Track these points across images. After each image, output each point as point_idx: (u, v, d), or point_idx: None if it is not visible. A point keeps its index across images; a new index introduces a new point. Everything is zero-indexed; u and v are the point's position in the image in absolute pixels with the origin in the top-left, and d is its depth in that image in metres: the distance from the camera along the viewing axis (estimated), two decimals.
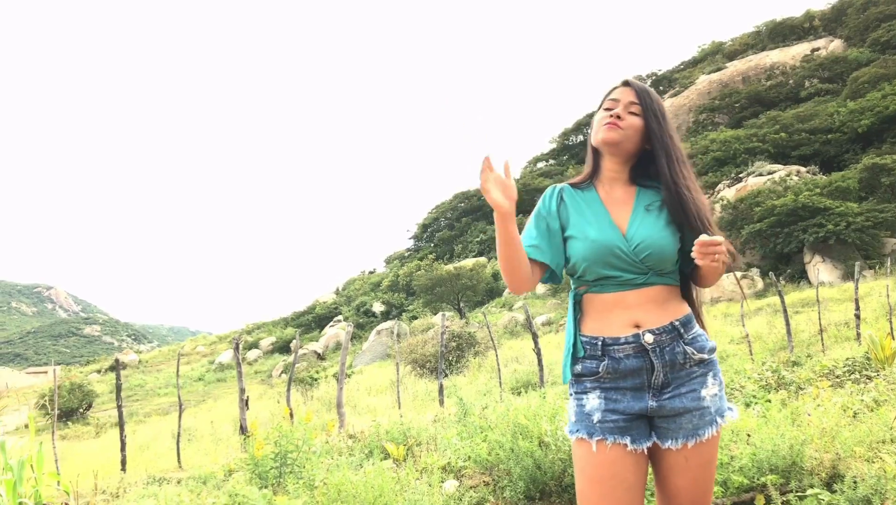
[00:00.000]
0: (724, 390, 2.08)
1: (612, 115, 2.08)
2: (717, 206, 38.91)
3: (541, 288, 45.47)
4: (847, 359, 8.37)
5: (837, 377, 7.40)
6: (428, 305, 42.78)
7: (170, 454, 11.30)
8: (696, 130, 63.83)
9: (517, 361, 19.21)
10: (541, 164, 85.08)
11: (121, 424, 8.62)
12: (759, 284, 33.56)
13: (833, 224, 31.54)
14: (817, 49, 67.68)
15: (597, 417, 1.99)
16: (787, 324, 11.53)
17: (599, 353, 2.01)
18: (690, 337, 2.02)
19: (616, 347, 2.00)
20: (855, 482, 3.15)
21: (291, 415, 7.47)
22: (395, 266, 66.45)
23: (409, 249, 74.42)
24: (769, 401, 5.78)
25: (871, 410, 4.71)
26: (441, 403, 9.47)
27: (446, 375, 9.98)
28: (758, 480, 3.42)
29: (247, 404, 7.44)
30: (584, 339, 2.05)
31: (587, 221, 2.08)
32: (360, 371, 28.83)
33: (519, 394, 13.60)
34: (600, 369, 2.01)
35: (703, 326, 2.14)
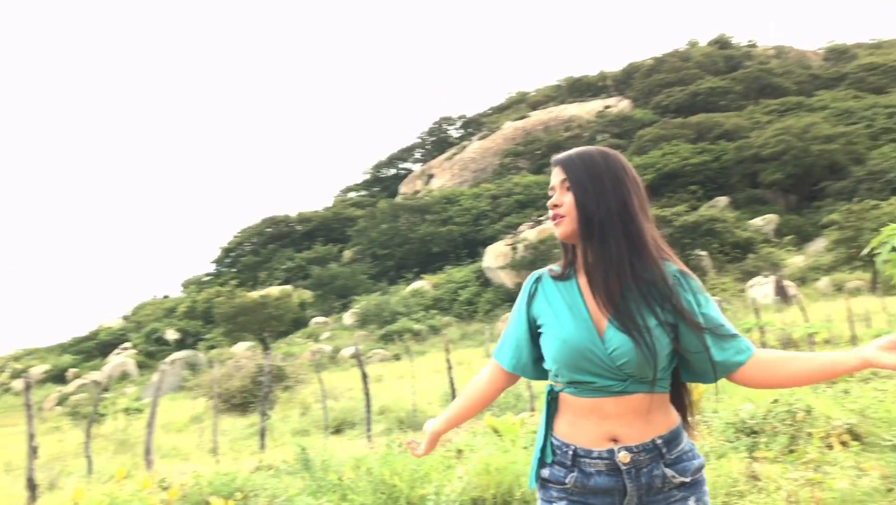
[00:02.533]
0: None
1: (550, 206, 1.81)
2: (520, 247, 40.95)
3: (348, 319, 45.14)
4: None
5: None
6: (229, 335, 40.73)
7: None
8: (501, 173, 67.06)
9: (332, 397, 18.62)
10: (352, 195, 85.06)
11: None
12: None
13: None
14: (609, 106, 74.15)
15: None
16: None
17: (569, 462, 1.75)
18: (674, 457, 1.74)
19: (588, 461, 1.73)
20: None
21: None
22: (192, 291, 62.76)
23: (209, 274, 70.71)
24: None
25: None
26: (262, 446, 8.78)
27: (268, 416, 9.28)
28: None
29: (35, 452, 6.35)
30: (555, 442, 1.79)
31: (561, 319, 1.76)
32: (150, 403, 26.56)
33: (338, 432, 13.11)
34: (567, 481, 1.75)
35: (692, 434, 1.86)
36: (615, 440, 1.71)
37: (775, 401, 6.60)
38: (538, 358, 1.85)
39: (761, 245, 40.35)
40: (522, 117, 77.26)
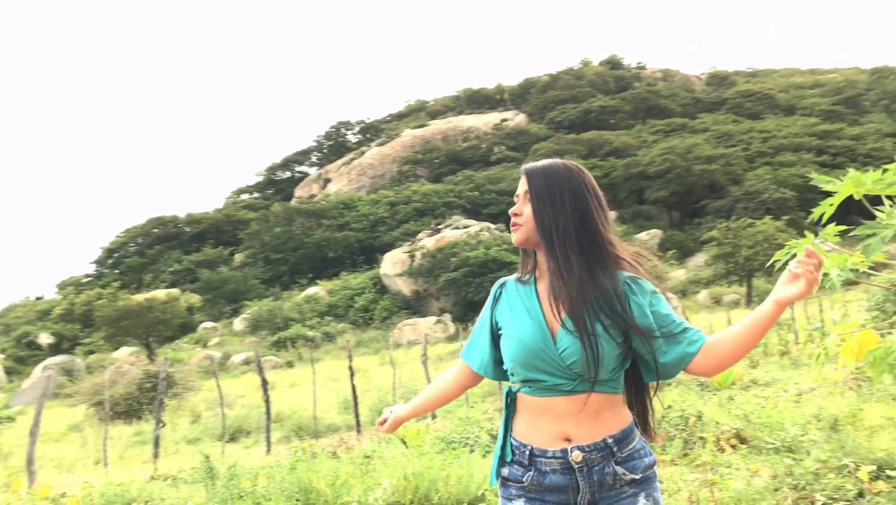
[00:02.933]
0: None
1: (511, 213, 1.90)
2: (418, 255, 41.12)
3: (239, 324, 43.88)
4: None
5: None
6: (111, 340, 38.72)
7: None
8: (399, 180, 67.17)
9: (225, 405, 18.04)
10: (245, 196, 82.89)
11: None
12: (451, 329, 35.96)
13: None
14: (506, 119, 75.78)
15: None
16: None
17: (527, 461, 1.84)
18: (625, 455, 1.82)
19: (543, 460, 1.82)
20: None
21: None
22: (70, 293, 59.24)
23: (88, 275, 67.03)
24: None
25: None
26: (156, 455, 8.38)
27: (162, 424, 8.88)
28: None
29: None
30: (514, 442, 1.87)
31: (518, 320, 1.85)
32: (21, 411, 24.86)
33: (233, 440, 12.70)
34: (525, 479, 1.83)
35: (649, 433, 1.94)
36: (568, 440, 1.79)
37: (668, 407, 6.94)
38: (499, 360, 1.93)
39: None
40: (421, 126, 77.76)
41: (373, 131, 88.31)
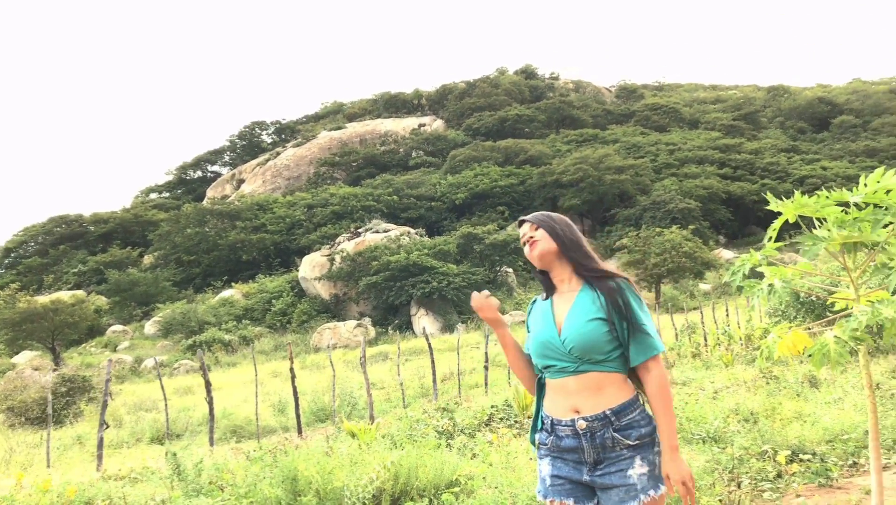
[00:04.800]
0: (657, 470, 2.34)
1: (524, 241, 2.55)
2: (338, 258, 40.97)
3: (150, 328, 42.55)
4: (493, 406, 9.52)
5: (493, 423, 8.40)
6: (11, 343, 36.86)
7: None
8: (315, 182, 66.58)
9: (143, 409, 17.70)
10: (154, 196, 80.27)
11: None
12: (372, 333, 36.06)
13: (437, 281, 35.48)
14: (424, 125, 76.35)
15: (548, 481, 2.44)
16: (434, 373, 12.73)
17: (549, 429, 2.44)
18: (623, 424, 2.32)
19: (559, 427, 2.40)
20: None
21: None
22: None
23: None
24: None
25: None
26: (99, 457, 8.28)
27: (106, 426, 8.78)
28: None
29: None
30: (543, 415, 2.48)
31: (537, 324, 2.50)
32: None
33: (159, 442, 12.55)
34: (548, 442, 2.44)
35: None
36: (577, 411, 2.36)
37: None
38: None
39: None
40: (339, 128, 77.30)
41: (288, 132, 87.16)
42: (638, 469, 2.30)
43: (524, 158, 59.37)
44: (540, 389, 2.51)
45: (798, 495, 4.57)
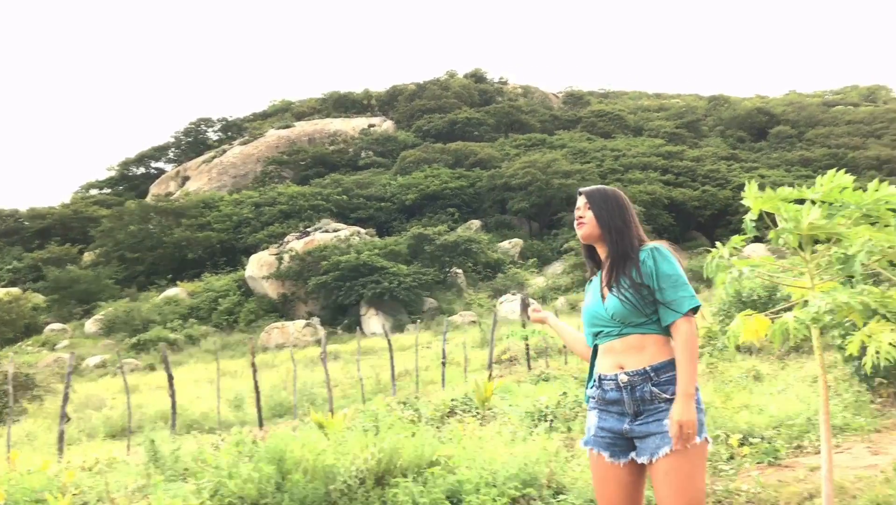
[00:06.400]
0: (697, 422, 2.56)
1: (577, 217, 2.86)
2: (286, 257, 40.71)
3: (91, 326, 41.53)
4: (453, 399, 9.77)
5: (457, 414, 8.66)
6: None
7: None
8: (263, 181, 65.80)
9: (91, 408, 17.40)
10: (95, 192, 78.09)
11: None
12: (321, 333, 35.94)
13: (388, 282, 35.62)
14: (373, 125, 76.22)
15: (592, 431, 2.75)
16: (393, 368, 12.92)
17: (598, 384, 2.75)
18: (662, 380, 2.61)
19: (605, 382, 2.71)
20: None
21: None
22: None
23: None
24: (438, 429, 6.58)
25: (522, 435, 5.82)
26: (60, 450, 8.23)
27: (68, 419, 8.72)
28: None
29: None
30: (594, 373, 2.79)
31: (588, 298, 2.85)
32: None
33: (115, 438, 12.43)
34: (596, 396, 2.76)
35: None
36: (622, 367, 2.66)
37: (564, 394, 7.83)
38: None
39: (509, 266, 44.17)
40: (287, 126, 76.53)
41: (235, 130, 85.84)
42: None
43: (474, 161, 59.89)
44: (594, 355, 2.81)
45: (750, 474, 4.95)
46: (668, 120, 78.00)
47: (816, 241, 3.21)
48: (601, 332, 2.73)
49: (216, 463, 4.55)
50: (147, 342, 34.08)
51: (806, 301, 3.21)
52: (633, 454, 2.65)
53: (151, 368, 30.38)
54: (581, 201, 2.86)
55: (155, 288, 47.73)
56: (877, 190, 2.81)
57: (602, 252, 2.84)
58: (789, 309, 3.24)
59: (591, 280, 2.92)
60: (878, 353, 2.91)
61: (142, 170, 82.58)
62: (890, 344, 2.87)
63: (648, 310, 2.65)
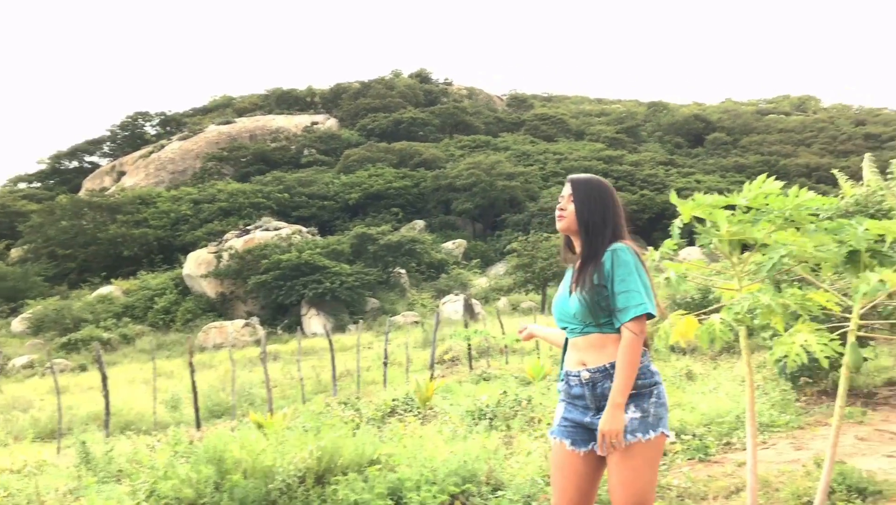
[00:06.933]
0: (651, 418, 2.67)
1: (558, 208, 2.89)
2: (225, 255, 39.98)
3: (18, 326, 40.03)
4: (394, 399, 9.80)
5: (398, 414, 8.70)
6: None
7: None
8: (202, 177, 64.46)
9: (18, 409, 16.80)
10: (23, 186, 75.20)
11: None
12: (260, 332, 35.42)
13: (330, 282, 35.33)
14: (317, 123, 75.51)
15: (558, 420, 2.86)
16: (334, 368, 12.84)
17: (564, 379, 2.86)
18: None
19: (570, 378, 2.82)
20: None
21: None
22: None
23: None
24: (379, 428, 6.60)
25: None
26: None
27: None
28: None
29: None
30: (564, 368, 2.88)
31: (559, 290, 2.92)
32: None
33: (42, 440, 12.01)
34: (562, 390, 2.87)
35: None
36: (584, 364, 2.76)
37: (504, 393, 7.93)
38: None
39: (452, 266, 44.34)
40: (227, 122, 75.18)
41: (174, 124, 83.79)
42: (631, 414, 2.63)
43: (418, 161, 59.92)
44: (565, 348, 2.90)
45: (681, 469, 5.12)
46: (608, 125, 79.46)
47: (746, 246, 3.37)
48: (567, 327, 2.84)
49: (152, 464, 4.48)
50: (78, 342, 33.03)
51: (720, 307, 3.36)
52: (593, 445, 2.73)
53: (83, 368, 29.44)
54: (566, 190, 2.87)
55: (88, 286, 46.25)
56: (797, 196, 2.96)
57: (577, 245, 2.87)
58: (718, 311, 3.39)
59: (568, 270, 2.93)
60: (787, 355, 3.06)
61: (75, 164, 79.92)
62: (801, 346, 3.02)
63: (606, 311, 2.70)
